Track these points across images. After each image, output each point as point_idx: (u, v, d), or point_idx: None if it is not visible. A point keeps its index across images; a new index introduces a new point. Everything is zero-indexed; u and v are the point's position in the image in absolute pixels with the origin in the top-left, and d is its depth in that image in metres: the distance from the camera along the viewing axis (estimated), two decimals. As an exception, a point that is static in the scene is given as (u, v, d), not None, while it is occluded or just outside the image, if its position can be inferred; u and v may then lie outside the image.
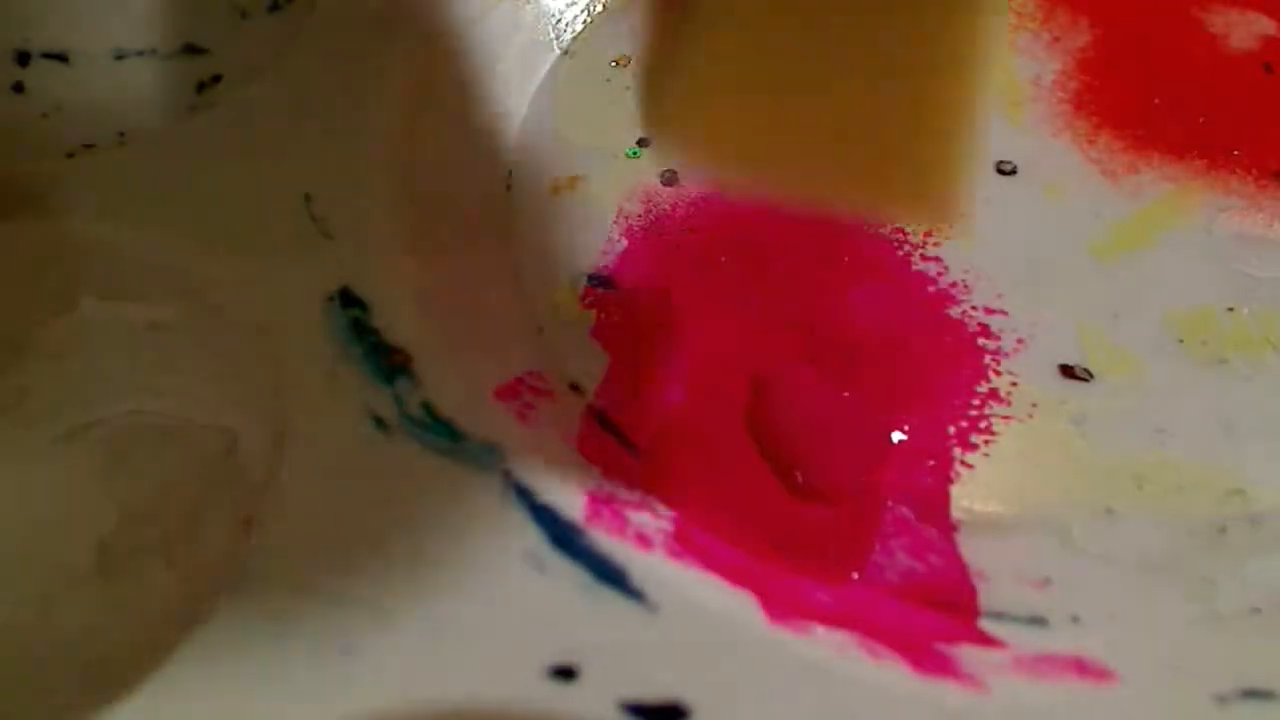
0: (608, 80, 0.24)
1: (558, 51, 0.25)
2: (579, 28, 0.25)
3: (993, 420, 0.19)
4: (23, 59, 0.25)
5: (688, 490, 0.18)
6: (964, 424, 0.19)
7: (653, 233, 0.22)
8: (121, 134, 0.24)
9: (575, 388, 0.20)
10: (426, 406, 0.18)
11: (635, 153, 0.23)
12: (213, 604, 0.16)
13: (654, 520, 0.17)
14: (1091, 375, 0.20)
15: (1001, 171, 0.22)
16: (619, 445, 0.19)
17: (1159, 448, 0.19)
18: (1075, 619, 0.17)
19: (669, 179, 0.22)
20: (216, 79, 0.25)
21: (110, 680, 0.16)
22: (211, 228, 0.20)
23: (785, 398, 0.19)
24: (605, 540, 0.17)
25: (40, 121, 0.24)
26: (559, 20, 0.25)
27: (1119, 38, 0.24)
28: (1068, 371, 0.20)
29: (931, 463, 0.19)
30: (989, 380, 0.19)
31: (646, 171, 0.22)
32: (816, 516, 0.18)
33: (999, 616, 0.17)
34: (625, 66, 0.24)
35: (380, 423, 0.17)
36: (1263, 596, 0.17)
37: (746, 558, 0.17)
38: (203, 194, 0.20)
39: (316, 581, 0.16)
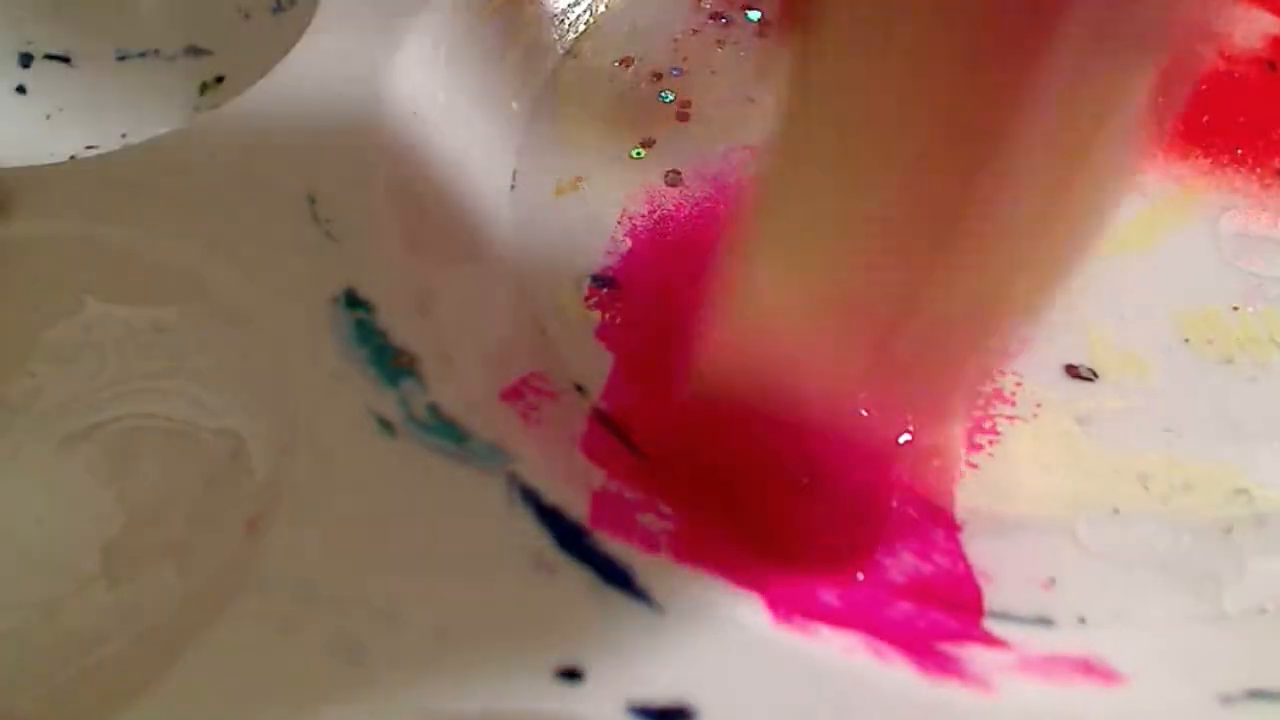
0: (611, 81, 0.24)
1: (560, 52, 0.25)
2: (581, 28, 0.25)
3: (998, 420, 0.19)
4: (25, 61, 0.25)
5: (692, 491, 0.18)
6: (969, 424, 0.19)
7: (657, 233, 0.22)
8: (124, 135, 0.24)
9: (579, 388, 0.20)
10: (432, 408, 0.18)
11: (639, 154, 0.23)
12: (219, 607, 0.16)
13: (659, 521, 0.17)
14: (1096, 375, 0.20)
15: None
16: (623, 446, 0.19)
17: (1165, 447, 0.19)
18: (1081, 619, 0.17)
19: (673, 179, 0.22)
20: (219, 80, 0.25)
21: (117, 684, 0.16)
22: (216, 229, 0.20)
23: (790, 399, 0.19)
24: (611, 542, 0.16)
25: (44, 123, 0.24)
26: (561, 21, 0.25)
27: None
28: (1072, 371, 0.20)
29: (936, 463, 0.19)
30: (994, 380, 0.19)
31: (650, 172, 0.22)
32: (821, 518, 0.18)
33: (1004, 617, 0.17)
34: (629, 67, 0.24)
35: (386, 424, 0.17)
36: (1269, 596, 0.17)
37: (752, 559, 0.17)
38: (206, 196, 0.21)
39: (323, 584, 0.16)
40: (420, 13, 0.23)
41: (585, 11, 0.25)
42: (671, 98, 0.24)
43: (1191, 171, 0.22)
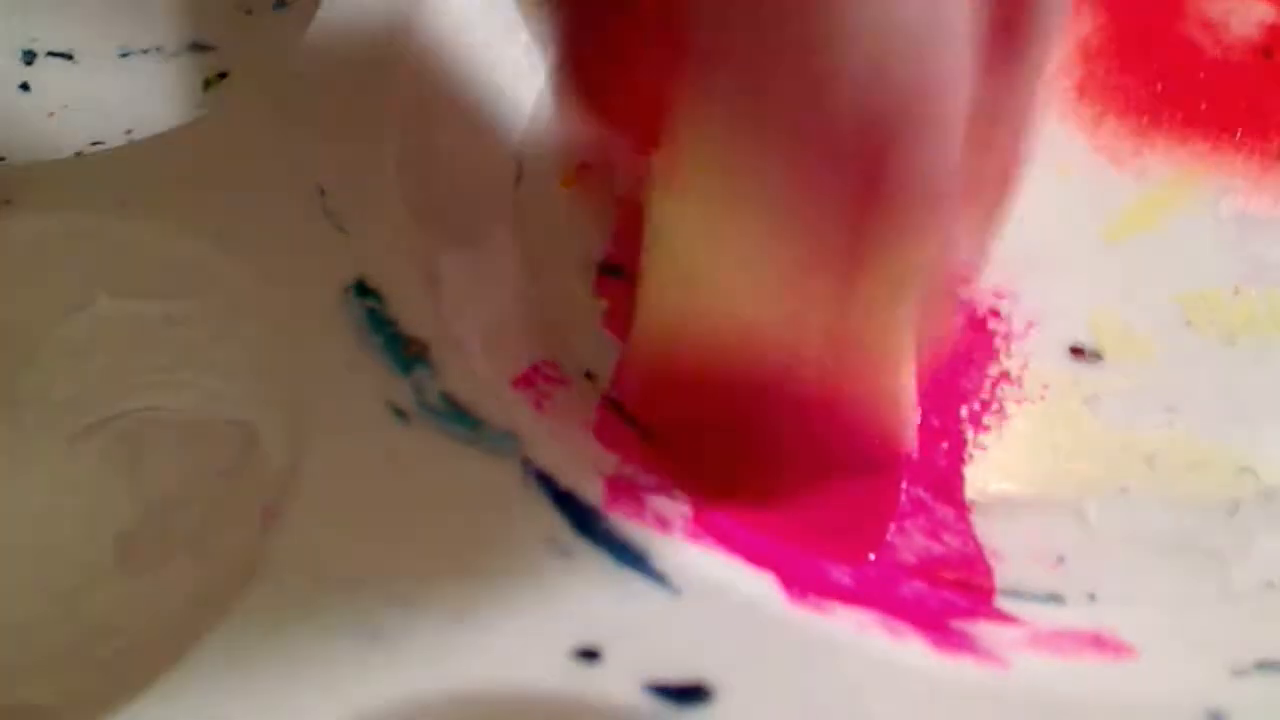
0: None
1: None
2: (584, 20, 0.25)
3: (1005, 402, 0.19)
4: (29, 58, 0.25)
5: (704, 474, 0.18)
6: (976, 406, 0.19)
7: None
8: (129, 131, 0.24)
9: (589, 375, 0.20)
10: (445, 396, 0.18)
11: None
12: (235, 596, 0.16)
13: (672, 504, 0.17)
14: (1102, 356, 0.20)
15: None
16: (634, 431, 0.19)
17: (1170, 427, 0.19)
18: (1091, 596, 0.17)
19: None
20: (222, 76, 0.25)
21: (133, 675, 0.16)
22: (225, 222, 0.20)
23: (797, 381, 0.20)
24: (625, 524, 0.17)
25: (48, 120, 0.24)
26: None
27: (1120, 25, 0.24)
28: (1078, 353, 0.20)
29: (945, 444, 0.19)
30: (1000, 362, 0.20)
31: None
32: (833, 499, 0.18)
33: (1015, 595, 0.17)
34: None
35: (399, 412, 0.18)
36: (1275, 572, 0.17)
37: (765, 539, 0.17)
38: (215, 189, 0.21)
39: (339, 571, 0.16)
40: (424, 8, 0.23)
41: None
42: (674, 88, 0.24)
43: (1191, 155, 0.22)
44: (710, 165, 0.15)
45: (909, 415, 0.18)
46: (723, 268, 0.16)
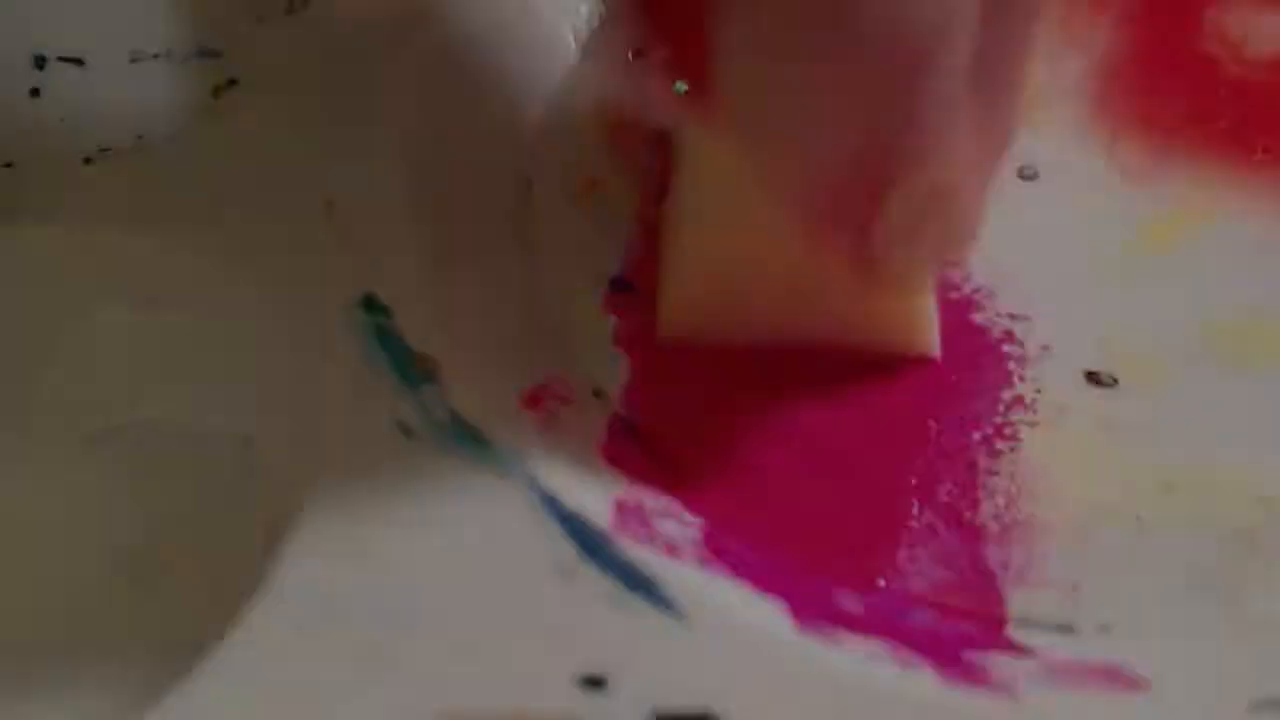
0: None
1: (575, 53, 0.24)
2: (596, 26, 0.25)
3: (1019, 427, 0.19)
4: (39, 63, 0.25)
5: (715, 496, 0.18)
6: (989, 431, 0.19)
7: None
8: (139, 137, 0.24)
9: (598, 394, 0.20)
10: (453, 414, 0.18)
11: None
12: (238, 614, 0.16)
13: (681, 528, 0.17)
14: (1117, 381, 0.19)
15: (1023, 177, 0.22)
16: (644, 451, 0.19)
17: (1186, 454, 0.19)
18: (1105, 627, 0.17)
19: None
20: (232, 83, 0.25)
21: (135, 693, 0.16)
22: (232, 233, 0.20)
23: (807, 401, 0.19)
24: (633, 548, 0.16)
25: (57, 126, 0.24)
26: (575, 22, 0.25)
27: (1138, 43, 0.24)
28: (1093, 377, 0.20)
29: (957, 470, 0.19)
30: (1014, 386, 0.19)
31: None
32: (842, 523, 0.18)
33: (1028, 624, 0.17)
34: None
35: (407, 430, 0.17)
36: (1293, 604, 0.17)
37: (775, 564, 0.17)
38: (222, 199, 0.21)
39: (343, 591, 0.16)
40: (433, 16, 0.23)
41: (596, 11, 0.25)
42: (686, 99, 0.23)
43: (1210, 176, 0.22)
44: (749, 105, 0.17)
45: (933, 329, 0.20)
46: (758, 204, 0.18)
